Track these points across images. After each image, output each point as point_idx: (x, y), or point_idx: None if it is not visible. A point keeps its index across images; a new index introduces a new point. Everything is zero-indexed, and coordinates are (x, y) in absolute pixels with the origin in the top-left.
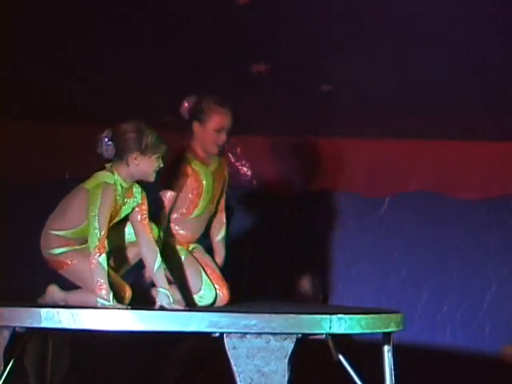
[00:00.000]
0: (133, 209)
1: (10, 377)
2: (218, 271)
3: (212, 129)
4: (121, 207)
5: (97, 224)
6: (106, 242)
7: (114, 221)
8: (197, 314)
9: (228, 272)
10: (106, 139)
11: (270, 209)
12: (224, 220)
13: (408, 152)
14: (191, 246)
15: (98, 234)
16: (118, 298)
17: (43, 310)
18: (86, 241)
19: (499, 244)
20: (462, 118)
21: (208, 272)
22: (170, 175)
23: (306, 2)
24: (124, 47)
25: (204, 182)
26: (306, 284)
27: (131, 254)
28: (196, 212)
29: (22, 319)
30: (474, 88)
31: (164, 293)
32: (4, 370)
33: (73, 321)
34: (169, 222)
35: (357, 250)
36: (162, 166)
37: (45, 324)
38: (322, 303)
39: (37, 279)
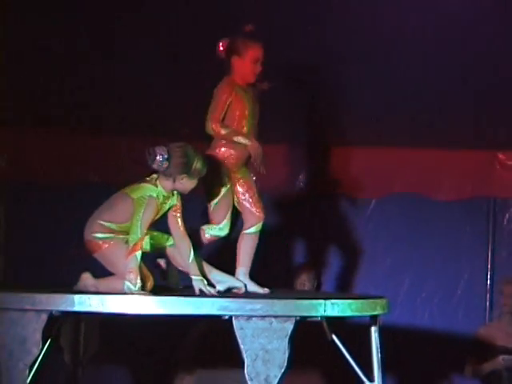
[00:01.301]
0: (169, 208)
1: (47, 354)
2: (257, 195)
3: (250, 60)
4: (160, 209)
5: (138, 230)
6: (142, 243)
7: (155, 218)
8: (209, 300)
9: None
10: (161, 157)
11: (272, 209)
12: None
13: (393, 159)
14: (240, 172)
15: (137, 236)
16: (142, 286)
17: (76, 296)
18: (127, 234)
19: (471, 239)
20: (440, 130)
21: (250, 195)
22: (217, 101)
23: (306, 23)
24: (144, 65)
25: (247, 104)
26: (303, 274)
27: None
28: (244, 130)
29: (57, 304)
30: (451, 105)
31: (197, 279)
32: (42, 348)
33: (101, 305)
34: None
35: (347, 244)
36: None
37: (77, 308)
38: (316, 290)
39: (71, 271)
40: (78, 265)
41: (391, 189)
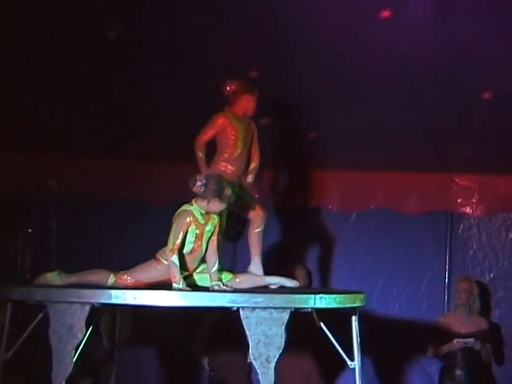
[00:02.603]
0: (213, 229)
1: (90, 338)
2: (257, 201)
3: (255, 99)
4: (204, 227)
5: (172, 237)
6: (177, 248)
7: (204, 238)
8: (221, 294)
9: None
10: (200, 183)
11: (272, 222)
12: (256, 159)
13: (369, 180)
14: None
15: (172, 243)
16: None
17: (113, 291)
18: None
19: (432, 245)
20: (407, 157)
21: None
22: (210, 125)
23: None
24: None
25: (240, 131)
26: (297, 273)
27: None
28: (238, 151)
29: (98, 297)
30: (417, 137)
31: (214, 284)
32: (85, 334)
33: (134, 299)
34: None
35: (333, 249)
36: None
37: (114, 301)
38: (307, 286)
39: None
40: (115, 264)
41: (368, 204)
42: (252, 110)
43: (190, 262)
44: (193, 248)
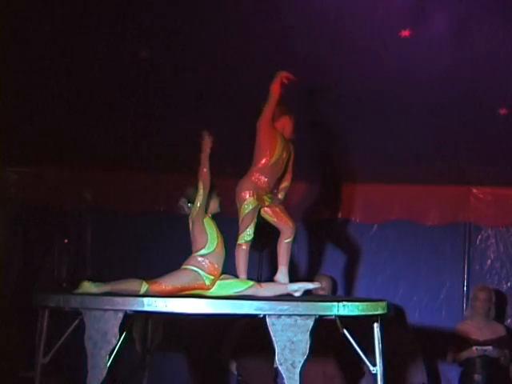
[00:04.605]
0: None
1: (123, 344)
2: (283, 214)
3: (293, 122)
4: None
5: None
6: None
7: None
8: (248, 302)
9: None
10: (185, 204)
11: (298, 233)
12: (289, 179)
13: (390, 192)
14: (268, 198)
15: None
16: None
17: (145, 299)
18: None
19: (451, 255)
20: (427, 170)
21: (276, 215)
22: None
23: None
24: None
25: (278, 140)
26: (323, 283)
27: None
28: (273, 159)
29: (131, 305)
30: (435, 152)
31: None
32: (119, 340)
33: (165, 306)
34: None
35: (355, 258)
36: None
37: (146, 308)
38: (331, 295)
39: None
40: (147, 273)
41: (389, 216)
42: (290, 132)
43: (217, 263)
44: (215, 248)
